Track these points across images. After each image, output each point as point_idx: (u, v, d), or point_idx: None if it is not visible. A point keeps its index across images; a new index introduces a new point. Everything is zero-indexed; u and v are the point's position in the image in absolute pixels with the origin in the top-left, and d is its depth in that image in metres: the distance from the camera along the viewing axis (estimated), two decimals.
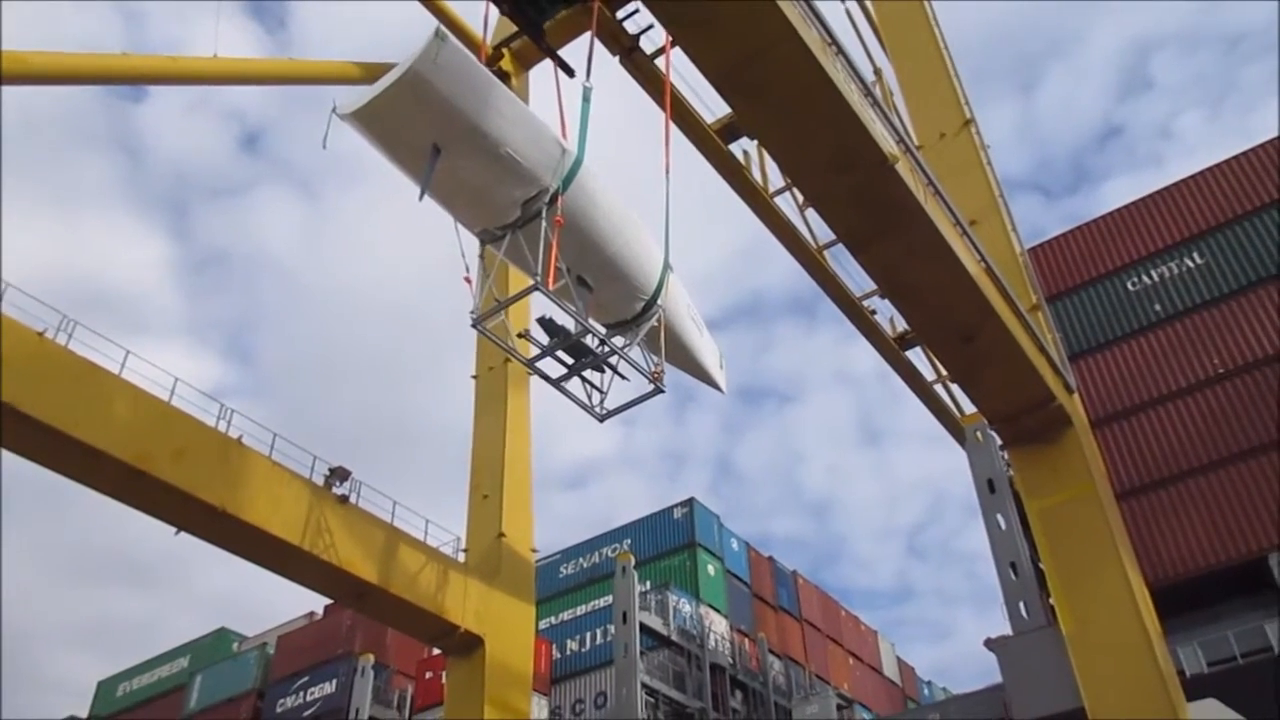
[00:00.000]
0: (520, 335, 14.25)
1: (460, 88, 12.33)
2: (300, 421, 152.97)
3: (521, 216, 13.33)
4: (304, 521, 18.66)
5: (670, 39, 16.93)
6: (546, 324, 13.95)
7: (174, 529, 17.90)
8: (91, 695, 52.01)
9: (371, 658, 37.62)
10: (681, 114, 21.31)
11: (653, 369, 14.86)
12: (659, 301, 14.94)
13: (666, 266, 15.03)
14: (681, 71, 18.82)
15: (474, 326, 14.03)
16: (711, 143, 23.12)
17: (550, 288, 12.86)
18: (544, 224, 12.90)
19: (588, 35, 20.97)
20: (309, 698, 39.16)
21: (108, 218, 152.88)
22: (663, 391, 14.74)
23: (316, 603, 47.31)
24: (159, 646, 62.32)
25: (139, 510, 17.48)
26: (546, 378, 14.52)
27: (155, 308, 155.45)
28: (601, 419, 15.08)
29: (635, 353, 14.82)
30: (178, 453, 17.04)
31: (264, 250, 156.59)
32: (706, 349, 16.86)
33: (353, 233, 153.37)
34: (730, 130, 23.09)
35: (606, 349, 14.31)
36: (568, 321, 13.86)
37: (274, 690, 41.10)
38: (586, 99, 14.48)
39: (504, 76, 24.19)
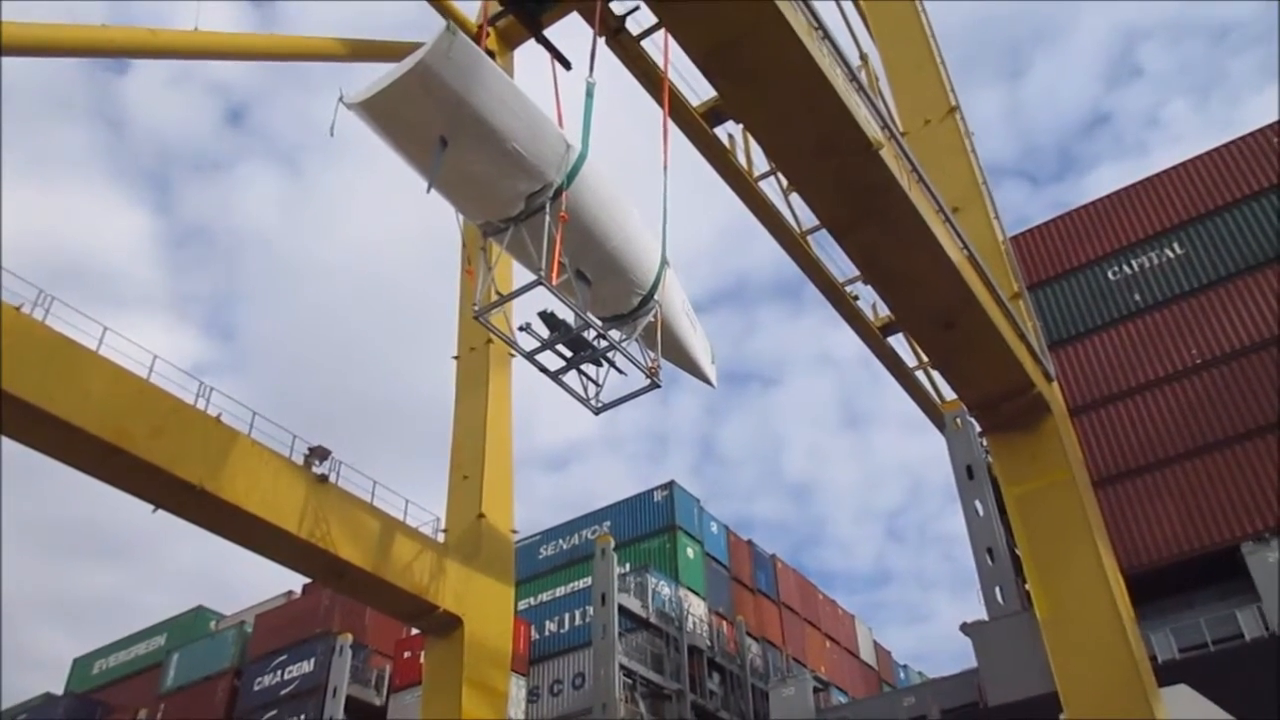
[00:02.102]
0: (522, 329, 14.27)
1: (469, 82, 12.32)
2: (282, 400, 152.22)
3: (525, 210, 13.34)
4: (283, 500, 18.62)
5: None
6: (547, 318, 14.00)
7: (151, 506, 17.82)
8: (67, 672, 51.87)
9: (350, 637, 37.62)
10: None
11: (649, 364, 14.93)
12: (656, 296, 14.98)
13: (664, 262, 15.06)
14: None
15: (476, 318, 14.09)
16: (697, 126, 23.11)
17: (553, 283, 12.93)
18: (548, 219, 12.93)
19: (575, 19, 20.97)
20: (286, 676, 39.13)
21: (89, 190, 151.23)
22: (659, 386, 14.83)
23: (295, 581, 47.30)
24: (132, 623, 62.07)
25: (116, 487, 17.39)
26: (545, 370, 14.55)
27: (135, 282, 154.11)
28: (597, 412, 15.15)
29: (632, 347, 14.88)
30: (156, 430, 16.96)
31: (247, 225, 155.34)
32: (699, 344, 16.92)
33: (337, 208, 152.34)
34: (715, 114, 23.08)
35: (604, 343, 14.40)
36: (567, 315, 13.90)
37: (251, 669, 41.04)
38: (590, 94, 14.41)
39: (490, 55, 24.08)
